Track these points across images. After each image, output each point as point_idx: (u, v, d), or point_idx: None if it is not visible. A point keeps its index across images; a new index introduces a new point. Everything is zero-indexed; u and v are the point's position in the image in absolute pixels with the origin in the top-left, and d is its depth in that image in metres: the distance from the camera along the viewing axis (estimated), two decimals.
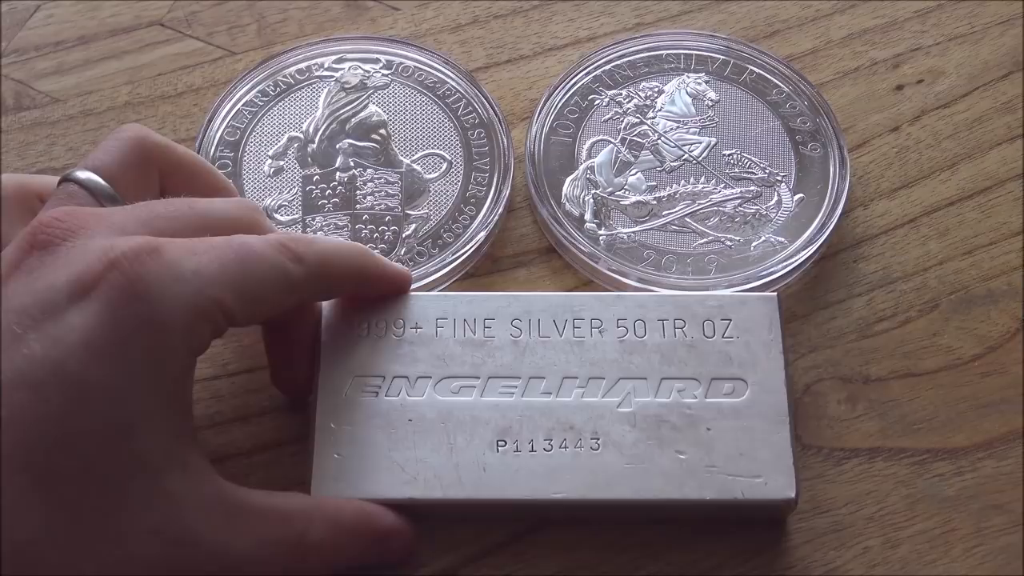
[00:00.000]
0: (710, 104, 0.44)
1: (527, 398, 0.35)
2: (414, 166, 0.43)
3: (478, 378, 0.35)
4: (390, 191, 0.42)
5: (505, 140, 0.43)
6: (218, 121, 0.44)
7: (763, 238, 0.41)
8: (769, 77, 0.45)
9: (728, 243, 0.41)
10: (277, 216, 0.42)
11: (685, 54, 0.45)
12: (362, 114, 0.44)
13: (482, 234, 0.41)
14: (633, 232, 0.41)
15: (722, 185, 0.42)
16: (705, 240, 0.41)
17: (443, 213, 0.42)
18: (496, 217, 0.41)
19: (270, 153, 0.43)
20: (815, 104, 0.44)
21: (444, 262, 0.40)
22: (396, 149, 0.43)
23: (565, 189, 0.42)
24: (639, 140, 0.43)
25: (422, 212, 0.42)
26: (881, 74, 0.46)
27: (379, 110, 0.44)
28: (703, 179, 0.42)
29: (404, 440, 0.34)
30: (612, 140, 0.43)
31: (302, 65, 0.45)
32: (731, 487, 0.33)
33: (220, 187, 0.37)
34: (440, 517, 0.35)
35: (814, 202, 0.42)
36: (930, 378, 0.38)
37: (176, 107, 0.45)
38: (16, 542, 0.27)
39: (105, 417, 0.28)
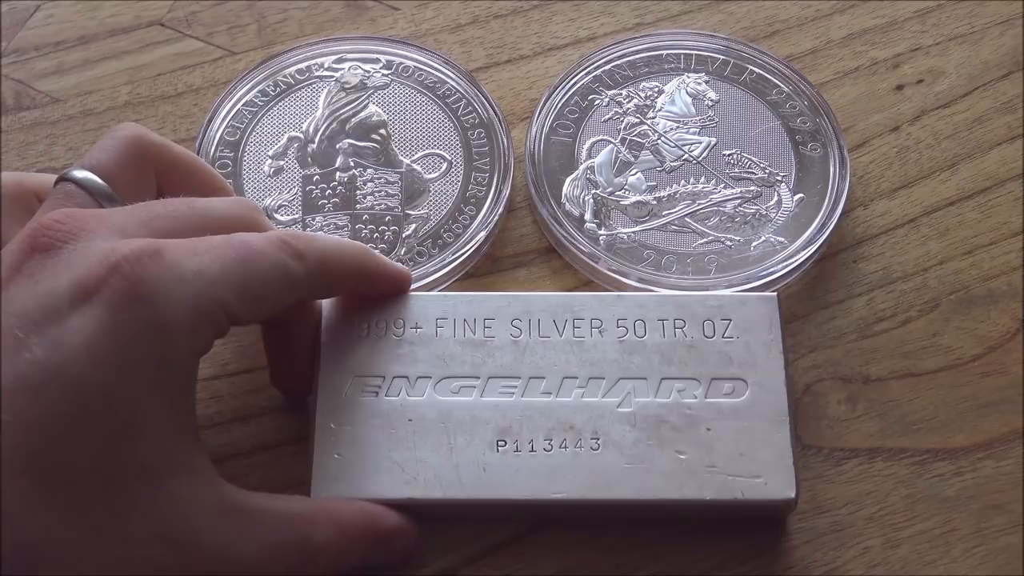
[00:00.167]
0: (710, 104, 0.44)
1: (527, 398, 0.35)
2: (414, 166, 0.43)
3: (478, 378, 0.35)
4: (390, 191, 0.42)
5: (505, 140, 0.43)
6: (218, 121, 0.44)
7: (763, 238, 0.41)
8: (769, 77, 0.45)
9: (728, 243, 0.41)
10: (277, 216, 0.42)
11: (685, 54, 0.45)
12: (362, 114, 0.44)
13: (482, 234, 0.41)
14: (633, 232, 0.41)
15: (722, 185, 0.42)
16: (705, 240, 0.41)
17: (443, 213, 0.42)
18: (496, 217, 0.41)
19: (270, 153, 0.43)
20: (815, 104, 0.44)
21: (444, 262, 0.40)
22: (396, 149, 0.43)
23: (565, 189, 0.42)
24: (639, 140, 0.43)
25: (422, 212, 0.42)
26: (881, 74, 0.46)
27: (379, 110, 0.44)
28: (703, 179, 0.42)
29: (404, 440, 0.34)
30: (612, 140, 0.43)
31: (302, 65, 0.45)
32: (731, 487, 0.33)
33: (217, 186, 0.37)
34: (440, 517, 0.35)
35: (814, 202, 0.42)
36: (930, 378, 0.38)
37: (176, 107, 0.45)
38: (18, 544, 0.27)
39: (108, 421, 0.28)
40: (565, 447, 0.34)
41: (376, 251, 0.37)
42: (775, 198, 0.42)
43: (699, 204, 0.42)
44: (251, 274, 0.31)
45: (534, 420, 0.34)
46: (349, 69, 0.45)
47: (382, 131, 0.44)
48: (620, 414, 0.35)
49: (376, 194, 0.42)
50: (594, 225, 0.41)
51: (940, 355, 0.39)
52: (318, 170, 0.43)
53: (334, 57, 0.45)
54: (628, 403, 0.35)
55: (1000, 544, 0.35)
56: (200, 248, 0.30)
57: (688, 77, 0.45)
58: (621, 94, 0.44)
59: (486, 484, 0.34)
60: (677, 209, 0.42)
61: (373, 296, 0.36)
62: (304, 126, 0.44)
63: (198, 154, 0.42)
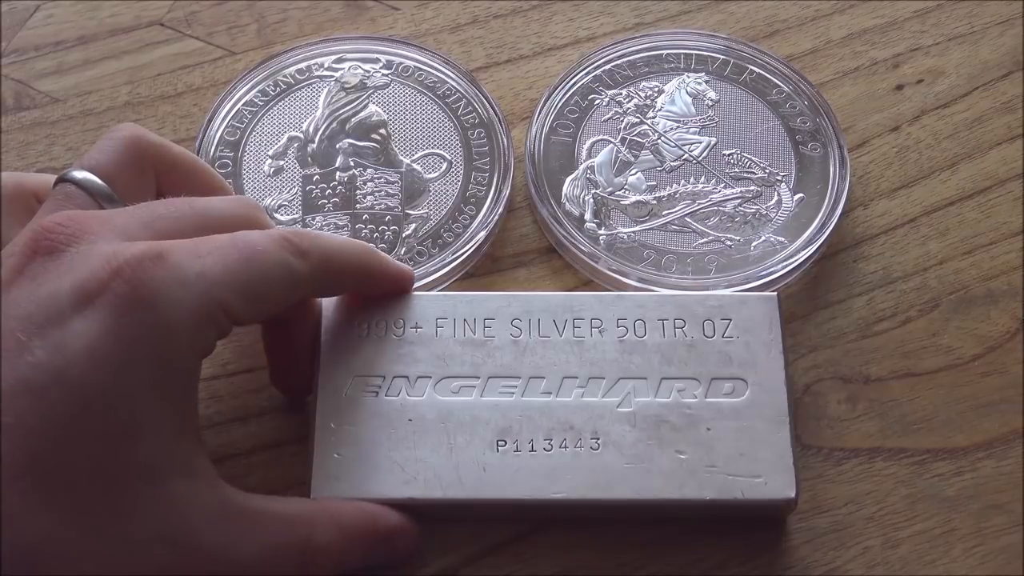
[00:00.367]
0: (710, 104, 0.44)
1: (527, 398, 0.35)
2: (414, 166, 0.43)
3: (478, 378, 0.35)
4: (390, 191, 0.42)
5: (505, 140, 0.43)
6: (218, 121, 0.44)
7: (763, 238, 0.41)
8: (769, 77, 0.45)
9: (728, 243, 0.41)
10: (277, 216, 0.42)
11: (685, 54, 0.45)
12: (362, 114, 0.44)
13: (482, 234, 0.41)
14: (633, 232, 0.41)
15: (722, 185, 0.42)
16: (705, 240, 0.41)
17: (443, 213, 0.42)
18: (496, 217, 0.41)
19: (270, 153, 0.43)
20: (815, 104, 0.44)
21: (444, 262, 0.40)
22: (396, 149, 0.43)
23: (565, 189, 0.42)
24: (639, 140, 0.43)
25: (422, 212, 0.42)
26: (881, 74, 0.46)
27: (379, 110, 0.44)
28: (703, 179, 0.42)
29: (404, 440, 0.34)
30: (612, 140, 0.43)
31: (302, 65, 0.45)
32: (731, 487, 0.33)
33: (216, 186, 0.37)
34: (440, 517, 0.35)
35: (814, 202, 0.42)
36: (930, 378, 0.38)
37: (176, 107, 0.45)
38: (19, 546, 0.27)
39: (109, 423, 0.28)
40: (565, 447, 0.34)
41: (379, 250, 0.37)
42: (775, 198, 0.42)
43: (699, 204, 0.42)
44: (254, 273, 0.31)
45: (534, 420, 0.34)
46: (349, 69, 0.45)
47: (382, 131, 0.44)
48: (620, 414, 0.35)
49: (376, 194, 0.42)
50: (594, 225, 0.41)
51: (940, 355, 0.39)
52: (318, 170, 0.43)
53: (334, 57, 0.45)
54: (628, 403, 0.35)
55: (1000, 544, 0.35)
56: (203, 249, 0.30)
57: (688, 77, 0.45)
58: (621, 94, 0.44)
59: (486, 484, 0.34)
60: (677, 209, 0.42)
61: (375, 295, 0.36)
62: (304, 126, 0.44)
63: (198, 154, 0.42)
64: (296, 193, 0.42)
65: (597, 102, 0.44)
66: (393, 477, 0.34)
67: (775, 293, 0.37)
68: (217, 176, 0.37)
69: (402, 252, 0.41)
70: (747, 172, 0.42)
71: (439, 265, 0.40)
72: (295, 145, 0.43)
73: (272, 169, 0.43)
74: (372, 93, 0.45)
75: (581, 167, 0.43)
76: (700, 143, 0.43)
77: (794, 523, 0.35)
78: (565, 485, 0.33)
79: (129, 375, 0.29)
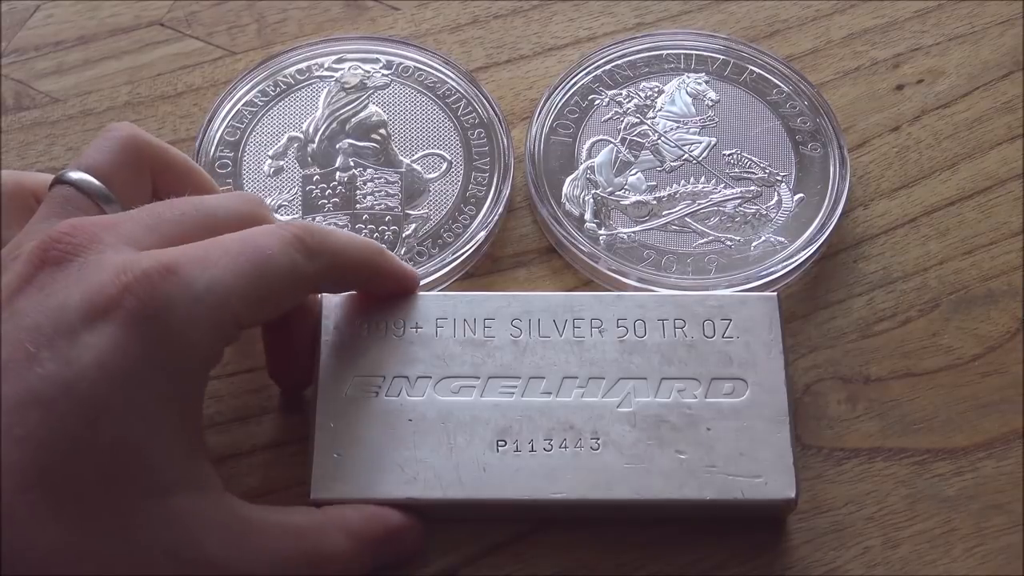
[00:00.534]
0: (710, 104, 0.44)
1: (527, 398, 0.35)
2: (414, 166, 0.43)
3: (478, 378, 0.35)
4: (390, 191, 0.42)
5: (505, 140, 0.43)
6: (218, 121, 0.44)
7: (763, 238, 0.41)
8: (769, 77, 0.45)
9: (728, 243, 0.41)
10: (277, 216, 0.42)
11: (685, 54, 0.45)
12: (362, 114, 0.44)
13: (482, 234, 0.41)
14: (633, 232, 0.41)
15: (722, 185, 0.42)
16: (705, 240, 0.41)
17: (443, 213, 0.42)
18: (496, 217, 0.41)
19: (270, 153, 0.43)
20: (815, 104, 0.44)
21: (444, 262, 0.40)
22: (396, 149, 0.43)
23: (565, 189, 0.42)
24: (639, 140, 0.43)
25: (422, 212, 0.42)
26: (881, 74, 0.46)
27: (379, 110, 0.44)
28: (703, 179, 0.42)
29: (404, 440, 0.34)
30: (612, 140, 0.43)
31: (302, 65, 0.45)
32: (731, 487, 0.33)
33: (209, 188, 0.37)
34: (440, 517, 0.35)
35: (814, 202, 0.42)
36: (930, 378, 0.38)
37: (176, 107, 0.45)
38: (27, 559, 0.27)
39: (117, 437, 0.28)
40: (565, 447, 0.34)
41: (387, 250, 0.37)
42: (775, 198, 0.42)
43: (699, 204, 0.42)
44: (264, 280, 0.31)
45: (534, 420, 0.34)
46: (349, 69, 0.45)
47: (382, 131, 0.44)
48: (620, 414, 0.35)
49: (376, 194, 0.42)
50: (594, 225, 0.41)
51: (940, 355, 0.39)
52: (318, 170, 0.43)
53: (334, 57, 0.45)
54: (628, 403, 0.35)
55: (1000, 544, 0.35)
56: (212, 256, 0.30)
57: (688, 77, 0.45)
58: (621, 94, 0.44)
59: (486, 484, 0.34)
60: (677, 209, 0.42)
61: (380, 295, 0.36)
62: (304, 126, 0.44)
63: (198, 154, 0.42)
64: (296, 193, 0.42)
65: (597, 102, 0.44)
66: (393, 477, 0.34)
67: (775, 293, 0.37)
68: (209, 179, 0.37)
69: (402, 252, 0.41)
70: (747, 172, 0.42)
71: (439, 265, 0.40)
72: (295, 145, 0.43)
73: (272, 169, 0.43)
74: (372, 93, 0.45)
75: (581, 167, 0.43)
76: (700, 143, 0.43)
77: (794, 523, 0.35)
78: (565, 485, 0.33)
79: (139, 390, 0.28)
